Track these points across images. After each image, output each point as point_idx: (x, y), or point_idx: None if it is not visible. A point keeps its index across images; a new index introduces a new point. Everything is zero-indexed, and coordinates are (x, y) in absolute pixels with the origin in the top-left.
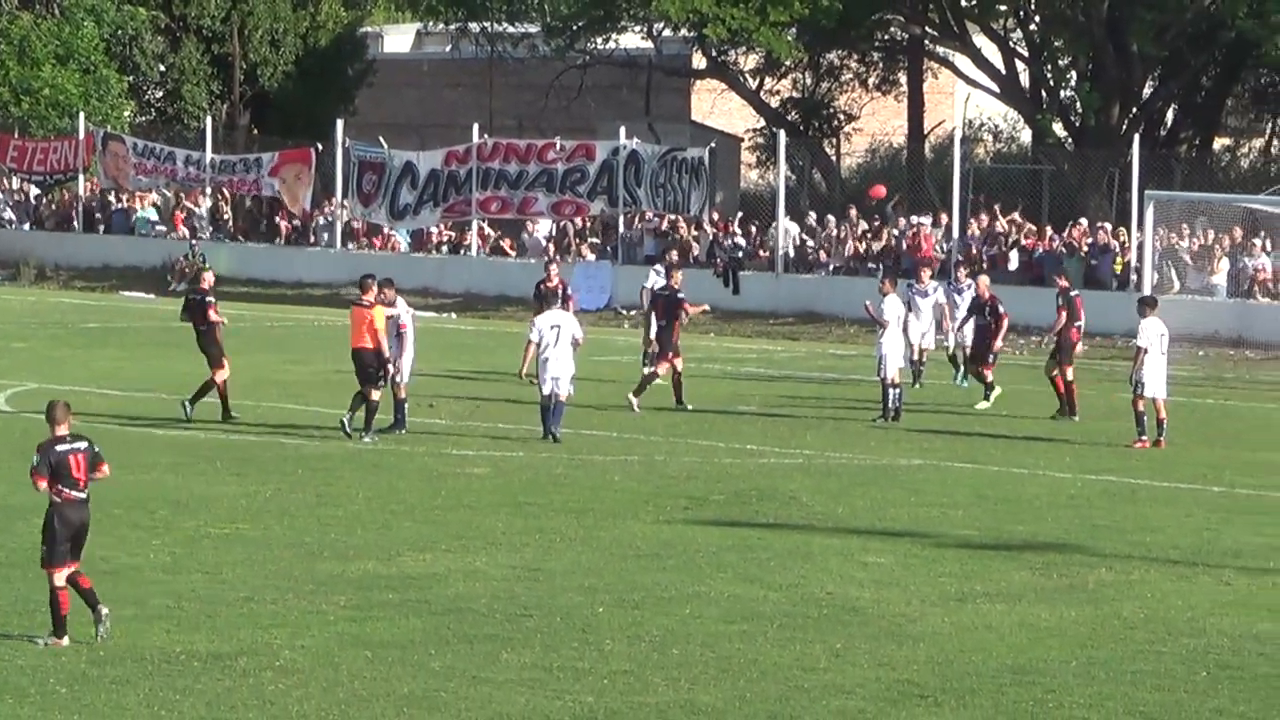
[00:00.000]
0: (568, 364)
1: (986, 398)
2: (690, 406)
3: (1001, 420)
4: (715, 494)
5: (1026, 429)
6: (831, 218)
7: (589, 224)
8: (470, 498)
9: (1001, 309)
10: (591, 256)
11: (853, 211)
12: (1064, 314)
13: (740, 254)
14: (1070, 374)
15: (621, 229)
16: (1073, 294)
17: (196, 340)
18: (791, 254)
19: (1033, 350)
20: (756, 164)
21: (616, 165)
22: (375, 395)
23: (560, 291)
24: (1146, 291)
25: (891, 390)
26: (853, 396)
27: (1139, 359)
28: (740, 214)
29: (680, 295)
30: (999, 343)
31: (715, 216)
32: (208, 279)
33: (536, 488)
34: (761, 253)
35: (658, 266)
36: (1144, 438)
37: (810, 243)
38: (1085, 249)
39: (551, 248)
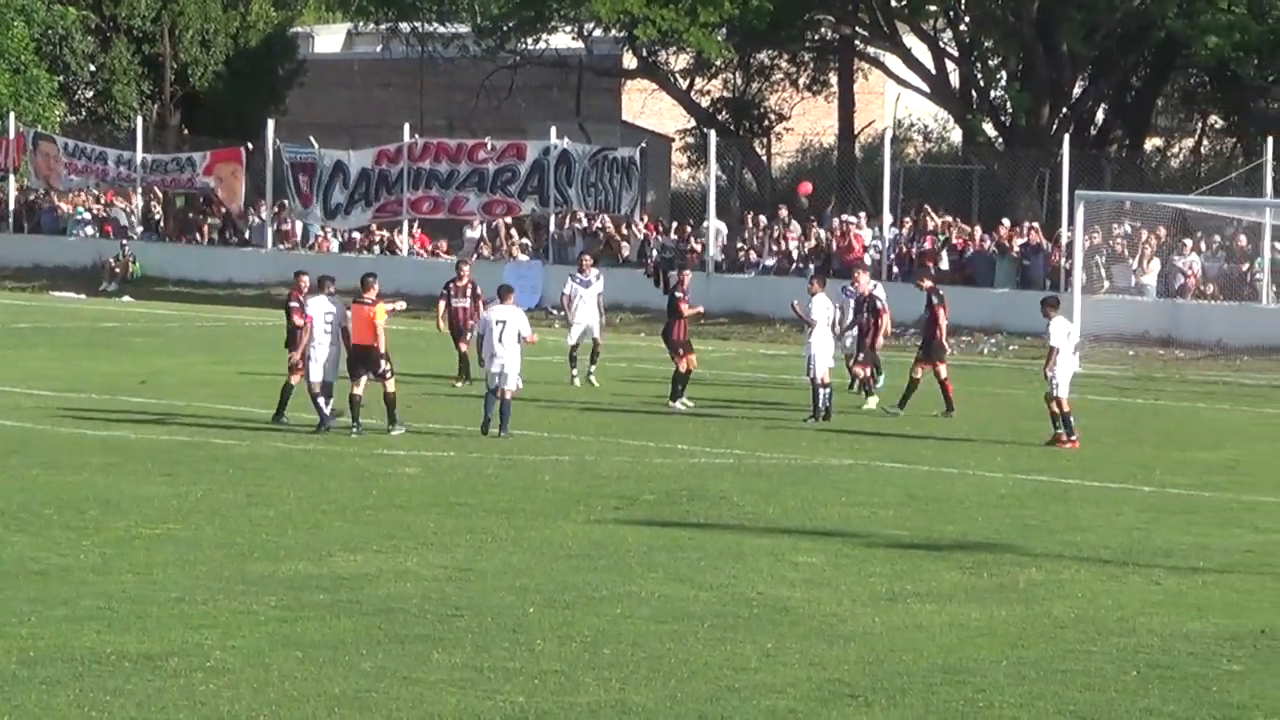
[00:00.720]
0: (514, 359)
1: (868, 392)
2: (681, 406)
3: (932, 421)
4: (646, 494)
5: (957, 429)
6: (762, 217)
7: (525, 224)
8: (401, 498)
9: (880, 304)
10: (524, 257)
11: (784, 211)
12: (941, 311)
13: (671, 254)
14: (944, 371)
15: (553, 229)
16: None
17: None
18: (721, 255)
19: (963, 350)
20: (687, 164)
21: (547, 165)
22: (390, 386)
23: (471, 291)
24: (1078, 292)
25: (822, 390)
26: (783, 397)
27: (1051, 358)
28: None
29: (679, 293)
30: (880, 339)
31: (646, 217)
32: None
33: (467, 487)
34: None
35: (573, 272)
36: (1074, 437)
37: (741, 243)
38: (1016, 249)
39: (484, 248)
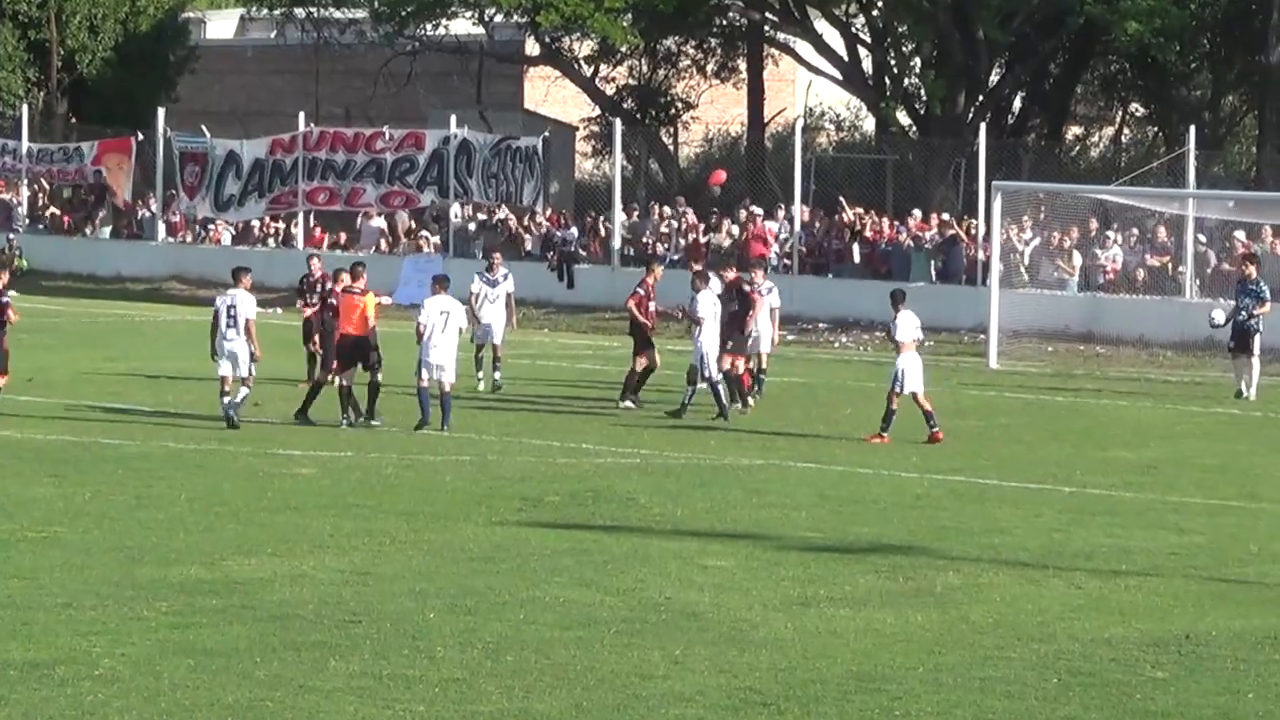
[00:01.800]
0: (452, 353)
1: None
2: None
3: (845, 420)
4: (550, 495)
5: (871, 426)
6: (667, 208)
7: (425, 216)
8: (297, 499)
9: (750, 289)
10: (430, 250)
11: (680, 201)
12: (757, 302)
13: (574, 247)
14: (742, 365)
15: (453, 220)
16: (746, 287)
17: None
18: (621, 245)
19: (877, 346)
20: (592, 153)
21: (447, 155)
22: (378, 376)
23: (323, 285)
24: (995, 286)
25: (719, 387)
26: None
27: (901, 353)
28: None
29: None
30: (752, 326)
31: (549, 208)
32: (3, 277)
33: (365, 489)
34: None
35: (480, 270)
36: (884, 433)
37: (647, 235)
38: (931, 241)
39: (383, 240)
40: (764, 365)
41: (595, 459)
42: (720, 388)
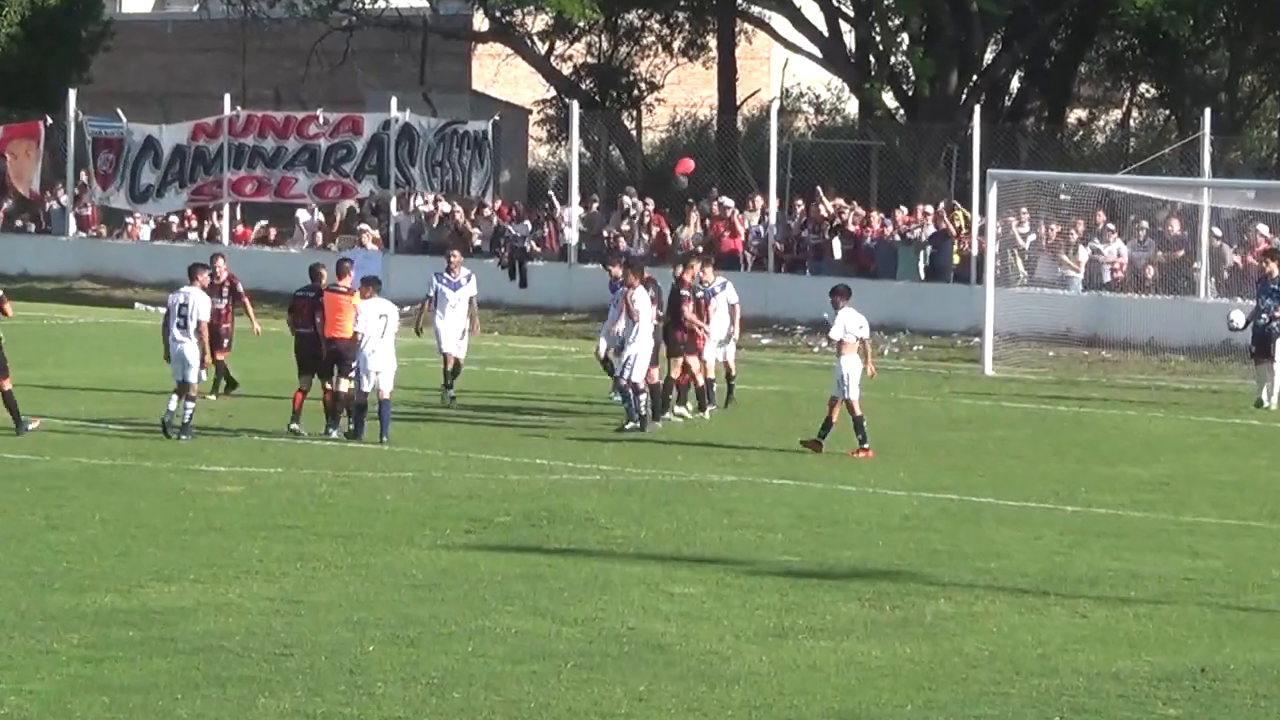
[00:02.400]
0: (391, 359)
1: (700, 406)
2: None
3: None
4: (501, 515)
5: (855, 439)
6: (632, 200)
7: (365, 207)
8: (222, 520)
9: (688, 296)
10: (373, 246)
11: (630, 192)
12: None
13: (527, 242)
14: (657, 375)
15: (394, 213)
16: (684, 292)
17: None
18: (578, 240)
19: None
20: (547, 139)
21: (387, 141)
22: (346, 386)
23: (231, 288)
24: (990, 284)
25: (640, 396)
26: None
27: (842, 355)
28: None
29: (685, 292)
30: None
31: (500, 199)
32: None
33: (298, 508)
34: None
35: (439, 270)
36: (866, 445)
37: (608, 229)
38: (921, 236)
39: (320, 235)
40: (733, 371)
41: (550, 476)
42: (641, 398)
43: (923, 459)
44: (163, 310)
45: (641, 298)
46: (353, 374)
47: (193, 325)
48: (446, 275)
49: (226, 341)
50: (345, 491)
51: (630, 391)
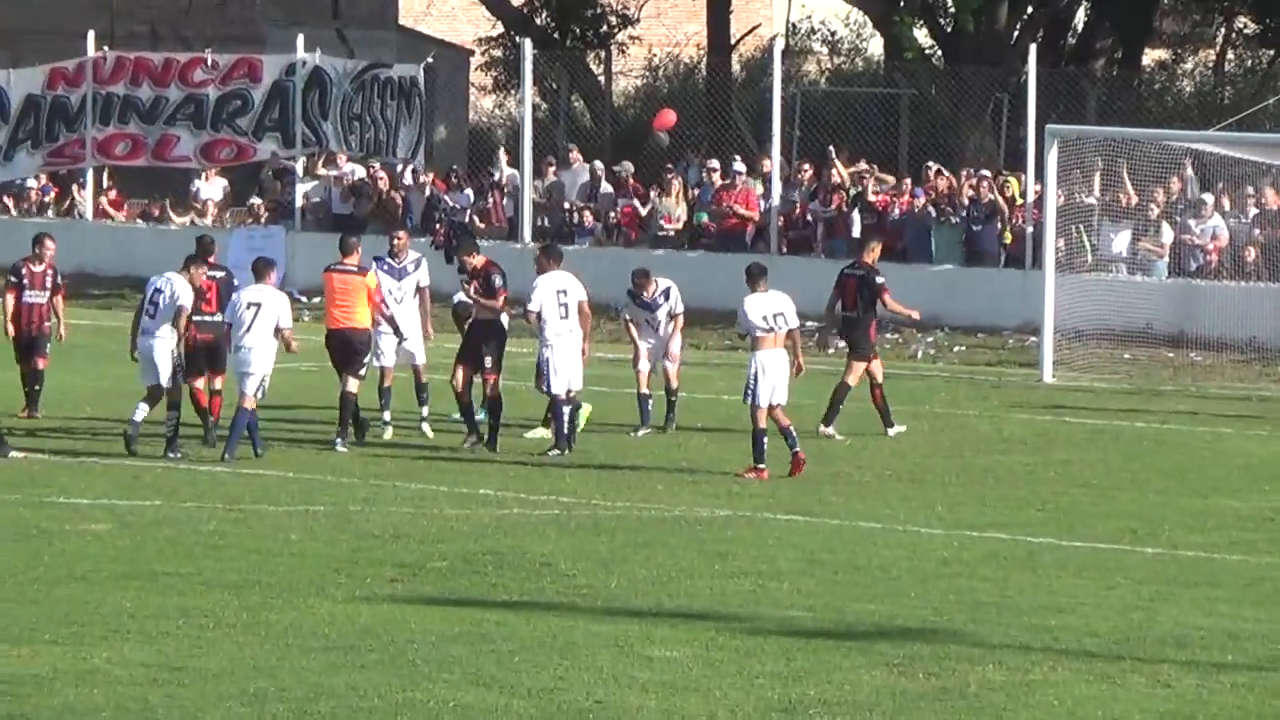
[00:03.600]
0: (265, 358)
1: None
2: (893, 431)
3: (843, 453)
4: (435, 560)
5: (880, 464)
6: (599, 163)
7: (264, 173)
8: (86, 566)
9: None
10: (263, 223)
11: (575, 156)
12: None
13: (468, 216)
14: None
15: (300, 179)
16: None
17: None
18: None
19: (890, 351)
20: (493, 87)
21: (292, 89)
22: (354, 386)
23: (52, 279)
24: (1050, 269)
25: (565, 408)
26: (629, 418)
27: (758, 350)
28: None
29: (880, 279)
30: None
31: (433, 162)
32: None
33: (180, 551)
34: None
35: (380, 255)
36: (761, 465)
37: (570, 200)
38: (963, 208)
39: (213, 206)
40: (674, 385)
41: (497, 510)
42: (566, 410)
43: (965, 488)
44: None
45: (543, 287)
46: (363, 371)
47: (169, 316)
48: (389, 260)
49: (49, 345)
50: (239, 530)
51: (554, 405)
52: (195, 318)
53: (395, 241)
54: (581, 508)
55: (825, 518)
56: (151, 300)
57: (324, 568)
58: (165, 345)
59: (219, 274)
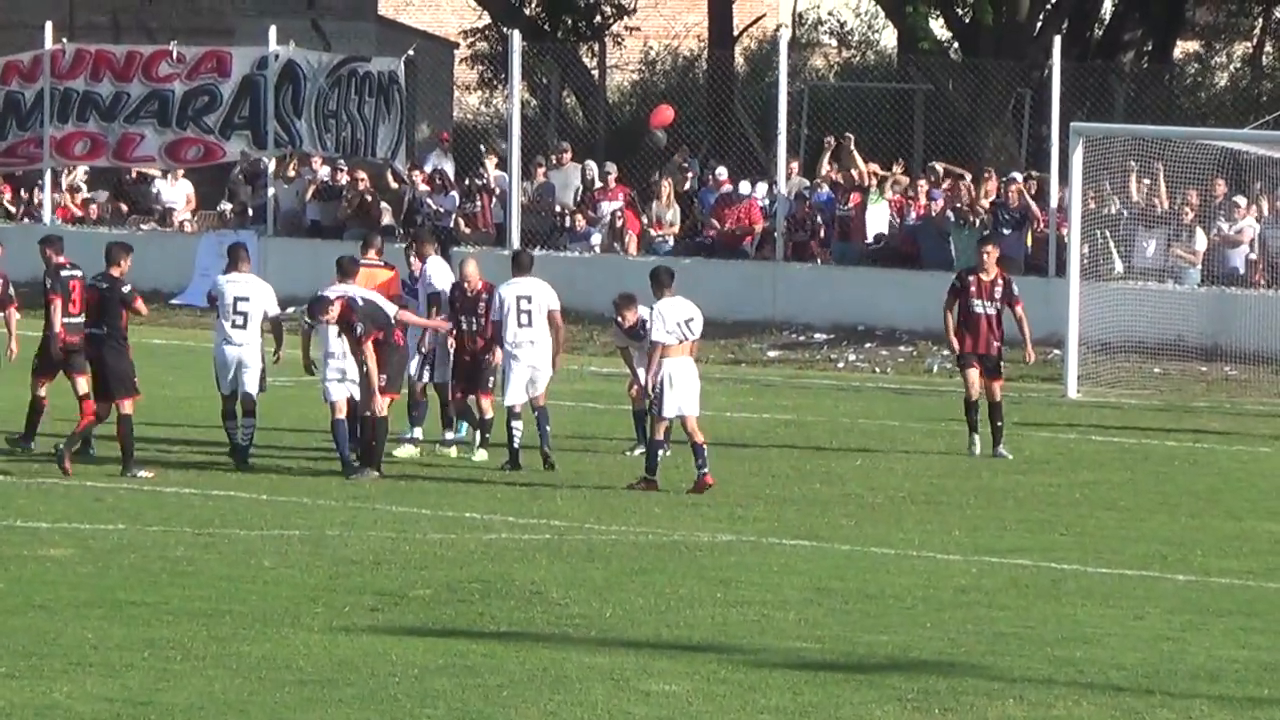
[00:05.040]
0: (259, 348)
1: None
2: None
3: (854, 474)
4: (419, 587)
5: (894, 485)
6: (592, 164)
7: (234, 174)
8: (45, 594)
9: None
10: (231, 228)
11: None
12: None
13: (453, 220)
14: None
15: (273, 182)
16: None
17: None
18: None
19: (902, 365)
20: (479, 84)
21: (264, 84)
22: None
23: (1, 289)
24: (1074, 278)
25: (514, 423)
26: (627, 434)
27: (653, 361)
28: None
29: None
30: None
31: (414, 163)
32: None
33: (146, 578)
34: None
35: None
36: (653, 478)
37: (561, 205)
38: (985, 211)
39: (179, 210)
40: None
41: (485, 534)
42: (514, 426)
43: (984, 511)
44: None
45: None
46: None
47: (256, 321)
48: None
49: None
50: (209, 556)
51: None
52: (65, 320)
53: (416, 247)
54: (574, 532)
55: (835, 543)
56: (237, 309)
57: (299, 596)
58: (256, 352)
59: (79, 273)
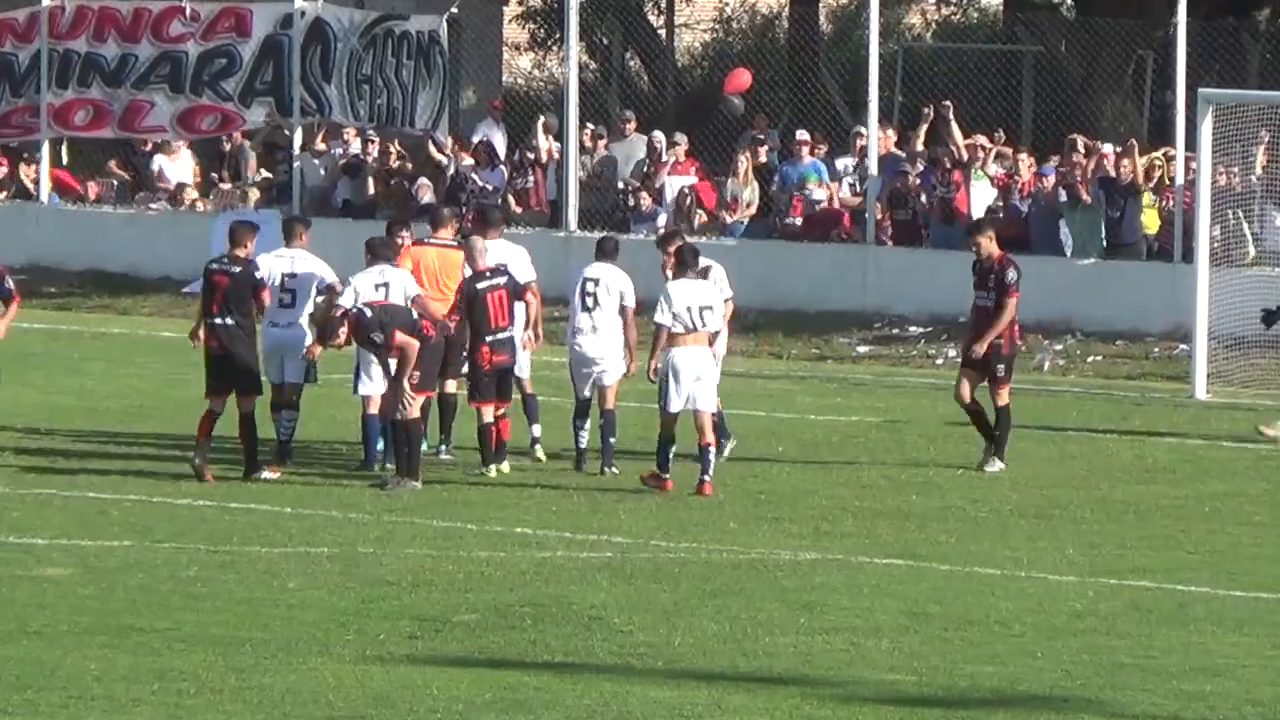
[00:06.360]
0: (303, 336)
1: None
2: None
3: (956, 484)
4: (463, 611)
5: (999, 496)
6: (659, 136)
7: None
8: (42, 619)
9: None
10: (245, 205)
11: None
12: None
13: (500, 198)
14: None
15: (297, 154)
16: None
17: None
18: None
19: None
20: (531, 44)
21: (288, 45)
22: (453, 388)
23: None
24: (1203, 261)
25: (578, 421)
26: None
27: (656, 346)
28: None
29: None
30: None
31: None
32: None
33: (154, 601)
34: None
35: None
36: (666, 475)
37: (624, 179)
38: (1095, 188)
39: (190, 187)
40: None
41: (538, 551)
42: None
43: (1102, 527)
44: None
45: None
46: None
47: (306, 302)
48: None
49: None
50: (227, 576)
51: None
52: None
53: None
54: (639, 549)
55: (933, 562)
56: (285, 287)
57: (328, 622)
58: (303, 336)
59: None
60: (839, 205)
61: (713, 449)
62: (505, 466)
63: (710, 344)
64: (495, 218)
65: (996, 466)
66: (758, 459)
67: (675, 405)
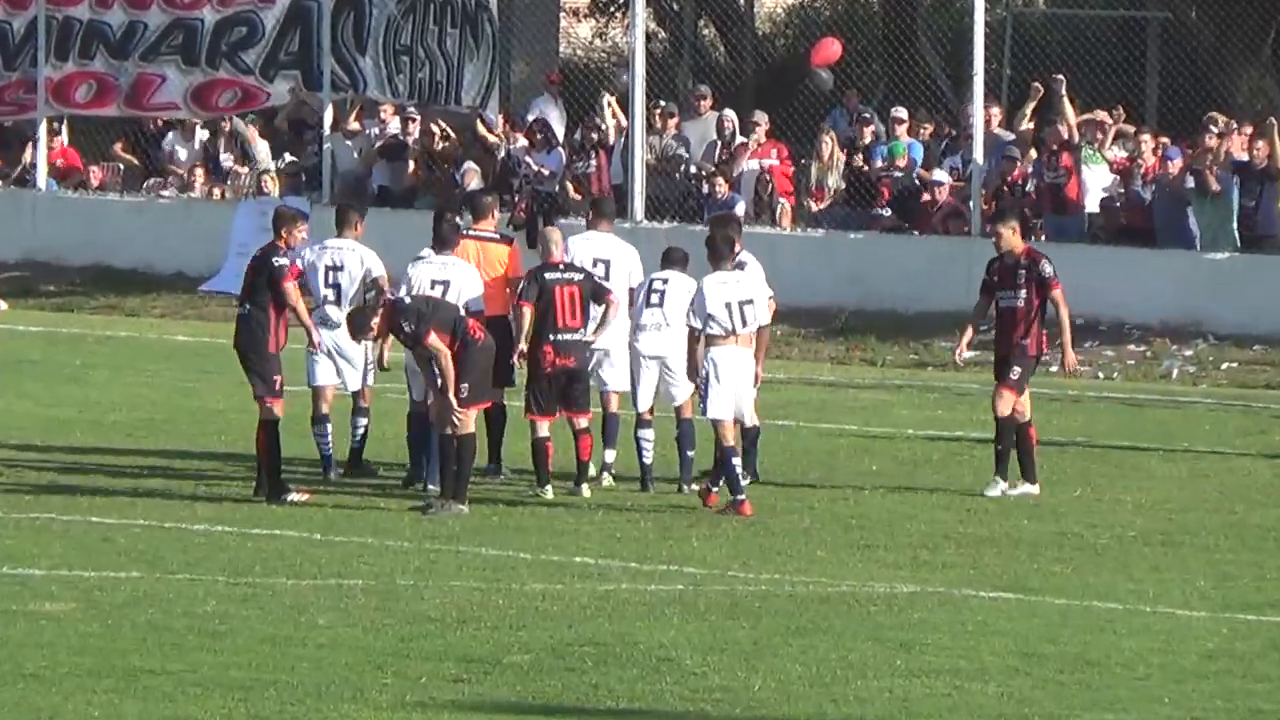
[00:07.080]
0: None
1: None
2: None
3: (1072, 505)
4: (515, 652)
5: (1121, 521)
6: (731, 114)
7: (277, 122)
8: (39, 660)
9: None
10: (270, 190)
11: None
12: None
13: (559, 184)
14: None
15: (328, 134)
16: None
17: None
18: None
19: (1137, 366)
20: (592, 10)
21: (317, 12)
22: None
23: None
24: None
25: (641, 433)
26: (795, 445)
27: (693, 350)
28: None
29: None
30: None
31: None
32: None
33: (166, 640)
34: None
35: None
36: (742, 496)
37: (695, 163)
38: (1231, 173)
39: (199, 171)
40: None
41: (599, 583)
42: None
43: (1237, 556)
44: None
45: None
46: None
47: (350, 296)
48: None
49: None
50: (248, 612)
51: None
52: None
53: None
54: (714, 581)
55: (1046, 595)
56: (330, 281)
57: (363, 663)
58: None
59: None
60: (939, 194)
61: (739, 461)
62: (586, 491)
63: (750, 346)
64: (609, 208)
65: (998, 489)
66: (848, 482)
67: (722, 411)
